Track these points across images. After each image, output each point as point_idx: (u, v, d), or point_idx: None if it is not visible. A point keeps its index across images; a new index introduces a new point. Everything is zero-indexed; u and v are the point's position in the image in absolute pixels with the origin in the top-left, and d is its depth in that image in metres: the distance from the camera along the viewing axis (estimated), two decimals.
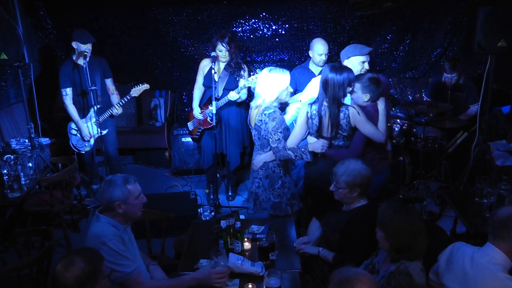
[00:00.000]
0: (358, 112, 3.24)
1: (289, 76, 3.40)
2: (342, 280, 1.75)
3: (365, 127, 3.31)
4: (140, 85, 4.65)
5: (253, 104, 3.45)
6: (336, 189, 2.80)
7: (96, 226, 2.46)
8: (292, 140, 3.39)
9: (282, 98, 3.39)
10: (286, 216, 3.45)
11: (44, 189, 4.34)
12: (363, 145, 3.42)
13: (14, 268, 2.55)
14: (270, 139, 3.30)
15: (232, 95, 4.35)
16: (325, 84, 3.23)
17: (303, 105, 3.51)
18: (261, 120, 3.33)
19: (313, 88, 3.83)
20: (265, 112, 3.31)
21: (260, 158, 3.45)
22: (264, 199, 3.49)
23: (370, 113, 3.43)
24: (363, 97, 3.40)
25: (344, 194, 2.77)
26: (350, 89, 3.29)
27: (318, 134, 3.36)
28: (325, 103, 3.28)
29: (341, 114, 3.25)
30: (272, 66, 5.62)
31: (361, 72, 3.69)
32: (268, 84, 3.32)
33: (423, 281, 2.15)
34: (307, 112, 3.37)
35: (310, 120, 3.37)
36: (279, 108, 3.42)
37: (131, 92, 4.65)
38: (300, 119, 3.43)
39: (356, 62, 3.85)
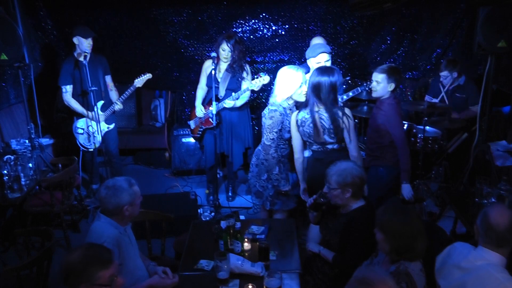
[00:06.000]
0: (349, 116, 3.21)
1: (302, 74, 3.35)
2: (363, 280, 1.72)
3: (352, 132, 3.22)
4: (143, 75, 4.67)
5: (271, 100, 3.48)
6: (329, 190, 2.76)
7: (97, 224, 2.47)
8: (295, 150, 3.42)
9: (295, 97, 3.39)
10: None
11: (44, 189, 4.33)
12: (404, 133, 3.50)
13: (14, 268, 2.56)
14: (264, 135, 3.40)
15: (228, 103, 4.37)
16: (316, 88, 3.15)
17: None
18: (264, 113, 3.44)
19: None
20: (269, 108, 3.40)
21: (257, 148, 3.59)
22: (252, 184, 3.64)
23: (387, 111, 3.52)
24: (388, 87, 3.53)
25: (337, 195, 2.72)
26: (341, 90, 3.30)
27: (315, 140, 3.28)
28: (316, 108, 3.20)
29: (339, 113, 3.19)
30: (273, 66, 5.66)
31: None
32: (282, 82, 3.35)
33: (423, 281, 2.14)
34: (296, 120, 3.31)
35: (300, 128, 3.30)
36: (295, 106, 3.48)
37: (134, 83, 4.65)
38: (292, 128, 3.38)
39: (312, 64, 3.78)
